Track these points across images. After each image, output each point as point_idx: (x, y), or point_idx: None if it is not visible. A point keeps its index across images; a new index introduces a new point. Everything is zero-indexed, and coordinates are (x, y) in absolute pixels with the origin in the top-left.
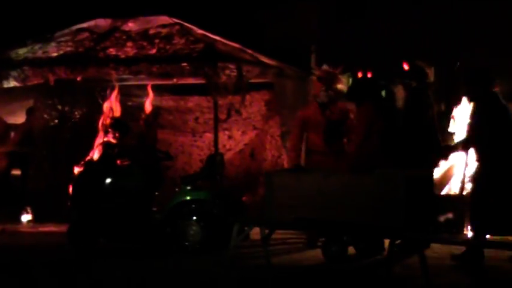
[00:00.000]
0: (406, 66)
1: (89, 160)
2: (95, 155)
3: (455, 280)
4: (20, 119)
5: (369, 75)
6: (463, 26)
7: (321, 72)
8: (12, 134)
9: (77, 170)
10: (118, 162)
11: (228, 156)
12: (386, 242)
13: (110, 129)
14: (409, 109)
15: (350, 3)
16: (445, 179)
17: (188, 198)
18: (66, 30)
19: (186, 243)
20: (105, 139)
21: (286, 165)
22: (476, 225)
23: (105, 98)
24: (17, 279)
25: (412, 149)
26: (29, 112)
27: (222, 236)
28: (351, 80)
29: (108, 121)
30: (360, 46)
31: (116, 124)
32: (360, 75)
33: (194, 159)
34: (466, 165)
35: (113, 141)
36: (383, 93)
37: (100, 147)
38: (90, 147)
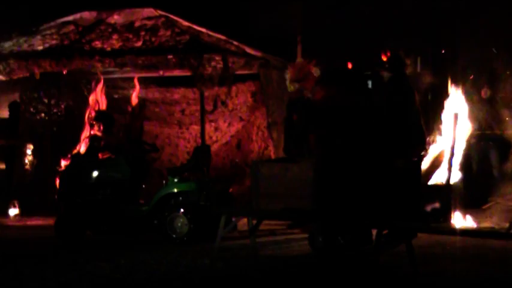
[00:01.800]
0: (384, 56)
1: (75, 153)
2: (82, 148)
3: (442, 268)
4: (5, 112)
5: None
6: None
7: (293, 67)
8: None
9: (63, 163)
10: (104, 154)
11: (214, 147)
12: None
13: (94, 122)
14: (389, 99)
15: None
16: (432, 168)
17: (175, 190)
18: (52, 23)
19: (174, 235)
20: (91, 132)
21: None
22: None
23: (90, 90)
24: (2, 272)
25: (394, 139)
26: (12, 106)
27: (209, 228)
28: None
29: (93, 114)
30: (345, 36)
31: (101, 116)
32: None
33: (181, 151)
34: (453, 154)
35: (99, 134)
36: (369, 83)
37: (86, 141)
38: (76, 140)
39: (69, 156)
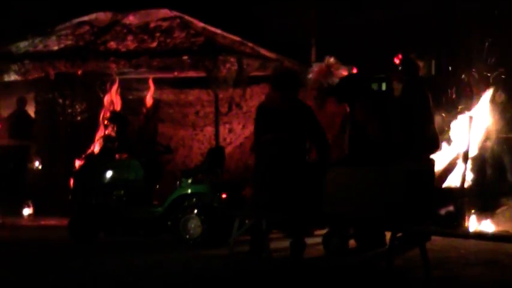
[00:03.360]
0: (397, 60)
1: (89, 154)
2: (96, 148)
3: (456, 272)
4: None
5: (354, 71)
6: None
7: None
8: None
9: (78, 163)
10: (117, 155)
11: (228, 149)
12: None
13: (108, 123)
14: (403, 103)
15: None
16: (446, 172)
17: (189, 191)
18: (67, 24)
19: (187, 237)
20: (105, 133)
21: None
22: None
23: (105, 91)
24: (15, 272)
25: (409, 143)
26: (20, 102)
27: (222, 230)
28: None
29: (107, 115)
30: (359, 39)
31: (115, 117)
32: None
33: (194, 153)
34: (467, 157)
35: (113, 135)
36: (383, 86)
37: (100, 141)
38: (90, 140)
39: (83, 156)
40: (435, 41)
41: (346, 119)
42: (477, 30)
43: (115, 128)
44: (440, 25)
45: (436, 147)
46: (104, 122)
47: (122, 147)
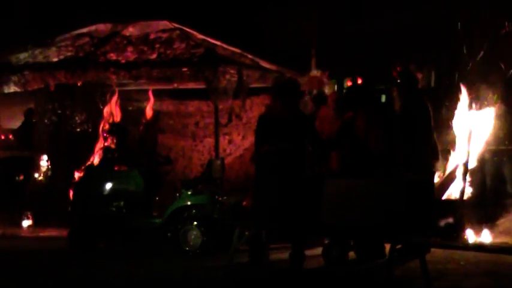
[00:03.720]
0: (396, 71)
1: (89, 165)
2: (95, 159)
3: (455, 283)
4: (20, 123)
5: (360, 81)
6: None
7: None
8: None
9: (77, 174)
10: (118, 166)
11: (228, 160)
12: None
13: (108, 134)
14: (403, 115)
15: (349, 7)
16: (446, 183)
17: (189, 202)
18: (67, 35)
19: (187, 248)
20: (105, 144)
21: None
22: None
23: (105, 102)
24: (15, 283)
25: (409, 154)
26: (28, 114)
27: (222, 241)
28: (336, 86)
29: (106, 126)
30: (359, 49)
31: (114, 129)
32: (349, 83)
33: (194, 164)
34: (466, 169)
35: (112, 146)
36: (383, 97)
37: (100, 152)
38: (90, 151)
39: (82, 168)
40: (435, 51)
41: (343, 129)
42: (477, 40)
43: (114, 140)
44: (440, 35)
45: (436, 158)
46: (103, 133)
47: (122, 158)
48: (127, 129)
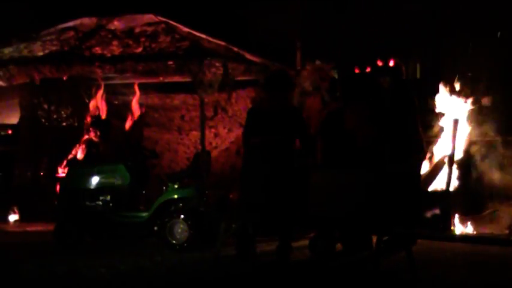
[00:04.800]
0: (379, 63)
1: (72, 158)
2: (78, 154)
3: (442, 275)
4: (5, 118)
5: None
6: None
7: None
8: None
9: (60, 170)
10: (103, 160)
11: (214, 153)
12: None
13: (91, 129)
14: (389, 107)
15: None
16: (432, 174)
17: (175, 196)
18: (52, 29)
19: (174, 242)
20: (87, 137)
21: None
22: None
23: (90, 96)
24: (0, 278)
25: (395, 146)
26: None
27: (209, 234)
28: (336, 75)
29: (89, 119)
30: (344, 41)
31: (97, 122)
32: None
33: (180, 157)
34: (452, 160)
35: (95, 139)
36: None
37: (83, 146)
38: (76, 146)
39: (65, 162)
40: (421, 43)
41: (329, 120)
42: (463, 34)
43: (98, 133)
44: (426, 27)
45: (421, 150)
46: (86, 128)
47: (106, 151)
48: (110, 122)
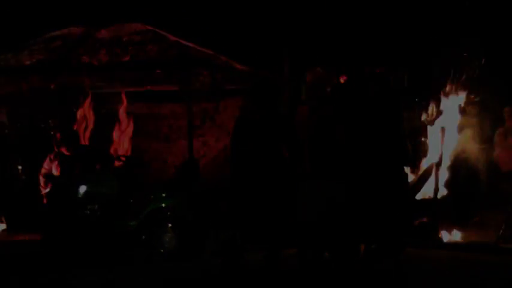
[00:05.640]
0: (367, 70)
1: (49, 174)
2: (53, 170)
3: (430, 283)
4: None
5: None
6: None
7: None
8: None
9: (41, 180)
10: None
11: (202, 162)
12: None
13: (60, 143)
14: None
15: (320, 7)
16: (420, 183)
17: (163, 205)
18: (39, 38)
19: (162, 250)
20: (57, 151)
21: None
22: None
23: (78, 105)
24: None
25: (381, 156)
26: None
27: (197, 243)
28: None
29: (58, 135)
30: (332, 48)
31: (66, 137)
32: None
33: (168, 166)
34: (439, 168)
35: (66, 153)
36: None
37: (55, 162)
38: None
39: (42, 173)
40: (409, 53)
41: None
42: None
43: (68, 147)
44: (414, 37)
45: (407, 159)
46: (56, 144)
47: (91, 160)
48: (76, 132)
